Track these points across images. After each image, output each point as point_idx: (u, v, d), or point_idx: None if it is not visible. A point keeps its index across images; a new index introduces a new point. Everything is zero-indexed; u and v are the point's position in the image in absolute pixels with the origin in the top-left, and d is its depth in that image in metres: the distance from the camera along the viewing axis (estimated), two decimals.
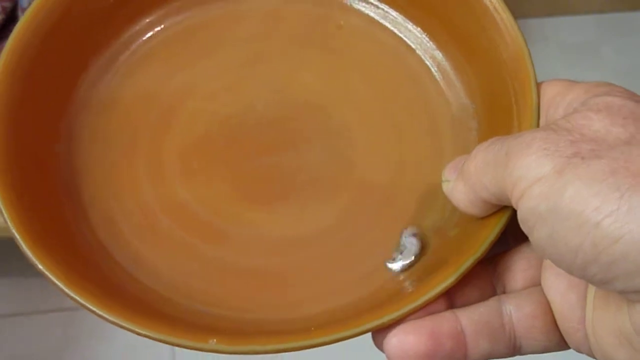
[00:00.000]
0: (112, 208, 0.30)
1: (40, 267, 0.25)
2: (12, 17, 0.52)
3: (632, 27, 1.11)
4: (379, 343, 0.25)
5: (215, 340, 0.24)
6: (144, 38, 0.33)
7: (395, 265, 0.28)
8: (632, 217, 0.19)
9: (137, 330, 0.24)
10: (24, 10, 0.52)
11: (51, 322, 0.87)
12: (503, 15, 0.29)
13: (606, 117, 0.22)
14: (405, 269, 0.28)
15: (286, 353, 0.24)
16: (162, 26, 0.34)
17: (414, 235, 0.28)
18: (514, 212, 0.25)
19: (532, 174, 0.21)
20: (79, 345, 0.86)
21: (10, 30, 0.52)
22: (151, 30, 0.33)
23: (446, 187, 0.27)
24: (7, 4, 0.51)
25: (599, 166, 0.20)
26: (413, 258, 0.28)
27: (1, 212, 0.26)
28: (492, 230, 0.26)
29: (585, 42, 1.09)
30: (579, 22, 1.10)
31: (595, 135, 0.21)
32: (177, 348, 0.83)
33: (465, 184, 0.25)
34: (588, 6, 1.11)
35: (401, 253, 0.28)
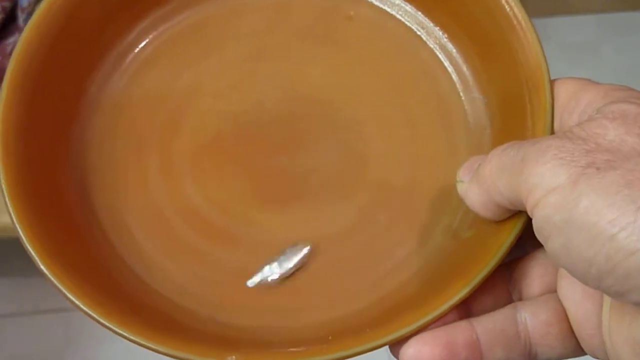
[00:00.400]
0: (123, 210, 0.29)
1: (45, 271, 0.25)
2: (11, 17, 0.52)
3: (632, 27, 1.11)
4: (395, 352, 0.25)
5: (234, 357, 0.24)
6: (149, 38, 0.33)
7: (265, 274, 0.27)
8: None
9: (149, 345, 0.24)
10: (23, 10, 0.51)
11: (51, 322, 0.87)
12: (517, 12, 0.29)
13: (621, 125, 0.21)
14: (277, 278, 0.27)
15: None
16: (167, 25, 0.33)
17: (302, 247, 0.28)
18: (530, 217, 0.25)
19: (547, 183, 0.21)
20: (79, 346, 0.86)
21: (10, 30, 0.52)
22: (155, 30, 0.33)
23: (460, 188, 0.26)
24: (7, 4, 0.51)
25: (614, 177, 0.20)
26: (292, 266, 0.27)
27: (10, 216, 0.26)
28: (508, 237, 0.25)
29: (586, 41, 1.09)
30: (579, 22, 1.10)
31: (610, 145, 0.21)
32: None
33: (479, 186, 0.25)
34: (588, 6, 1.11)
35: (276, 262, 0.28)
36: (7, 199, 0.26)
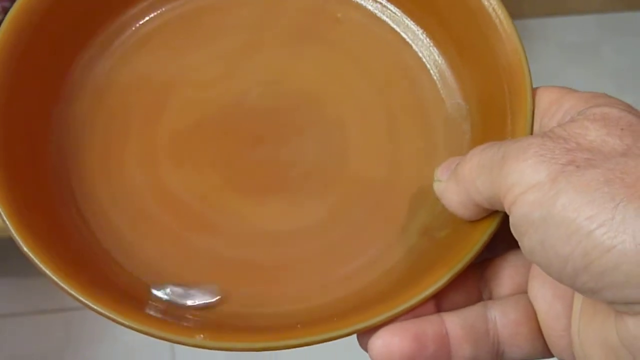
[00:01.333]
0: (102, 194, 0.29)
1: (26, 250, 0.25)
2: None
3: (632, 27, 1.11)
4: (363, 343, 0.25)
5: (202, 336, 0.24)
6: (141, 22, 0.33)
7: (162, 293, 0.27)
8: (626, 227, 0.19)
9: (121, 321, 0.24)
10: None
11: (51, 322, 0.87)
12: (502, 18, 0.29)
13: (603, 127, 0.22)
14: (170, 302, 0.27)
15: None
16: (159, 11, 0.33)
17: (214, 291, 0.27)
18: (505, 218, 0.25)
19: (527, 180, 0.21)
20: (79, 346, 0.86)
21: None
22: (147, 15, 0.33)
23: (437, 187, 0.26)
24: (7, 4, 0.51)
25: (594, 175, 0.20)
26: (191, 304, 0.27)
27: None
28: (483, 234, 0.26)
29: (585, 42, 1.09)
30: (579, 22, 1.10)
31: (591, 145, 0.21)
32: (177, 348, 0.83)
33: (457, 185, 0.25)
34: (588, 6, 1.11)
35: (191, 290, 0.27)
36: None
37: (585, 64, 1.06)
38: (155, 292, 0.27)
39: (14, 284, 0.88)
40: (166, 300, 0.26)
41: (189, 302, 0.27)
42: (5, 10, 0.51)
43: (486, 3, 0.29)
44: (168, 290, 0.27)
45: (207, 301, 0.27)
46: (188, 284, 0.27)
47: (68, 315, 0.87)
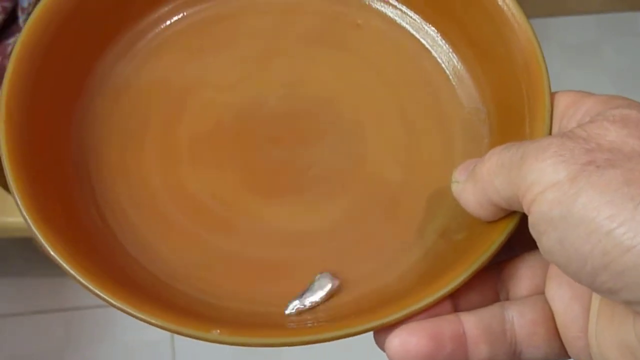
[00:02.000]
0: (120, 193, 0.30)
1: (43, 242, 0.25)
2: (12, 17, 0.52)
3: (632, 27, 1.11)
4: (380, 342, 0.25)
5: (218, 330, 0.24)
6: (162, 26, 0.34)
7: (296, 303, 0.27)
8: None
9: (138, 315, 0.24)
10: (24, 10, 0.51)
11: (51, 322, 0.87)
12: (521, 23, 0.29)
13: (623, 128, 0.22)
14: (303, 309, 0.27)
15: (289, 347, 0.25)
16: (180, 15, 0.34)
17: (329, 278, 0.28)
18: (522, 219, 0.25)
19: (546, 179, 0.21)
20: (79, 345, 0.86)
21: (10, 30, 0.52)
22: (169, 19, 0.34)
23: (455, 188, 0.26)
24: (7, 4, 0.51)
25: (614, 175, 0.20)
26: (318, 299, 0.27)
27: (11, 193, 0.26)
28: (500, 235, 0.25)
29: (586, 42, 1.09)
30: (579, 22, 1.10)
31: (611, 146, 0.21)
32: (177, 348, 0.83)
33: (475, 185, 0.25)
34: (588, 6, 1.11)
35: (308, 292, 0.27)
36: (5, 164, 0.26)
37: (585, 64, 1.07)
38: (287, 312, 0.27)
39: (14, 284, 0.88)
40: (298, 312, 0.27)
41: (317, 299, 0.27)
42: (6, 10, 0.51)
43: (504, 6, 0.29)
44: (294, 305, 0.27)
45: (328, 289, 0.27)
46: (302, 291, 0.27)
47: (68, 315, 0.87)
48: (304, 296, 0.27)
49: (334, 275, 0.28)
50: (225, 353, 0.81)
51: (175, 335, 0.82)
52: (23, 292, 0.88)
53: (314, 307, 0.27)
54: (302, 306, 0.27)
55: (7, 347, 0.86)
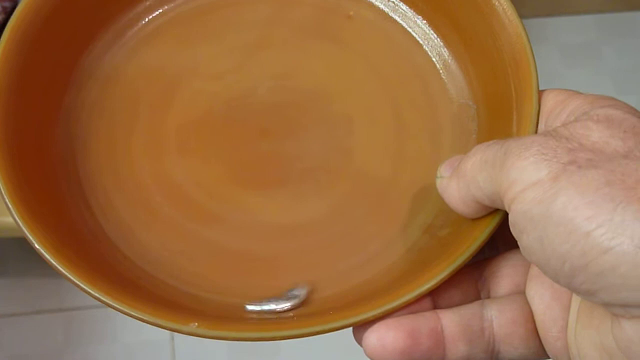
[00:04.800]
0: (107, 182, 0.30)
1: (26, 232, 0.25)
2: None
3: (632, 27, 1.11)
4: (358, 337, 0.25)
5: (196, 324, 0.24)
6: (153, 15, 0.33)
7: (263, 306, 0.27)
8: (624, 229, 0.19)
9: (115, 305, 0.24)
10: None
11: (51, 322, 0.87)
12: (512, 19, 0.29)
13: (606, 128, 0.22)
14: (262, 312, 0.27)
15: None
16: (172, 4, 0.34)
17: (303, 289, 0.27)
18: (505, 217, 0.25)
19: (528, 178, 0.21)
20: (79, 345, 0.86)
21: None
22: (161, 8, 0.34)
23: (440, 183, 0.26)
24: (7, 4, 0.51)
25: (595, 176, 0.20)
26: (289, 305, 0.27)
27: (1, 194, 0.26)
28: (482, 233, 0.26)
29: (585, 42, 1.09)
30: (579, 22, 1.10)
31: (593, 146, 0.21)
32: (177, 348, 0.83)
33: (459, 181, 0.25)
34: (588, 6, 1.11)
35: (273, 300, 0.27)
36: None
37: (585, 64, 1.06)
38: (250, 307, 0.27)
39: (13, 284, 0.88)
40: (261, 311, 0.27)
41: (279, 308, 0.27)
42: (6, 10, 0.51)
43: (496, 2, 0.29)
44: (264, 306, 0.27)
45: (296, 301, 0.27)
46: (276, 297, 0.27)
47: (68, 315, 0.87)
48: (268, 302, 0.27)
49: (309, 286, 0.27)
50: (225, 353, 0.81)
51: (175, 335, 0.83)
52: (22, 292, 0.88)
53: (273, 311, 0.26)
54: (259, 309, 0.26)
55: (7, 347, 0.86)
